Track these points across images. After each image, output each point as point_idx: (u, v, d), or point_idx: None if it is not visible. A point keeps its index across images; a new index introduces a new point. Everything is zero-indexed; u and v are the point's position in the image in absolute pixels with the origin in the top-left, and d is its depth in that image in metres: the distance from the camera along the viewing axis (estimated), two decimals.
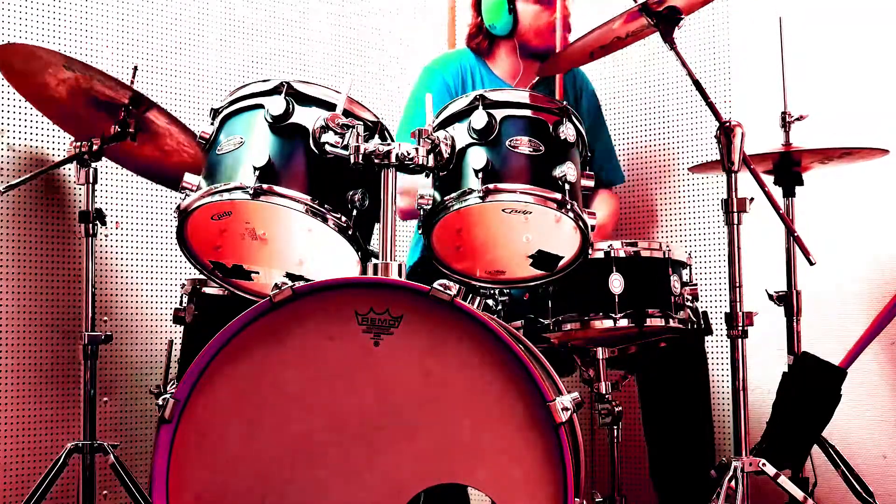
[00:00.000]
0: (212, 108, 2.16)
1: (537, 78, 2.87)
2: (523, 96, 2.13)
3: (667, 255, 2.35)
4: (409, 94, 2.92)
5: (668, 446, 2.64)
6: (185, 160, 2.59)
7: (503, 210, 2.15)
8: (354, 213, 2.05)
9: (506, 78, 2.92)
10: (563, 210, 2.03)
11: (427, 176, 2.09)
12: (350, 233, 2.04)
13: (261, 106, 2.06)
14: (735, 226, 2.15)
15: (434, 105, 2.09)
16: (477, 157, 2.04)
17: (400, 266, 1.93)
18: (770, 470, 2.09)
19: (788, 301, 2.57)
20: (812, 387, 2.46)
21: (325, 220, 2.02)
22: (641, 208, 3.20)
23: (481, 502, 2.98)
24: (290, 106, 2.04)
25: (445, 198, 2.05)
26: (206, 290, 2.51)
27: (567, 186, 2.02)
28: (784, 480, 2.10)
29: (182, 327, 2.58)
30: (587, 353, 2.40)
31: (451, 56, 3.00)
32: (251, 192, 1.97)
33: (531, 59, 2.88)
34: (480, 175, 2.01)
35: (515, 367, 1.76)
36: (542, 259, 2.19)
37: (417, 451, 1.79)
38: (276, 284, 1.80)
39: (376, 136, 2.11)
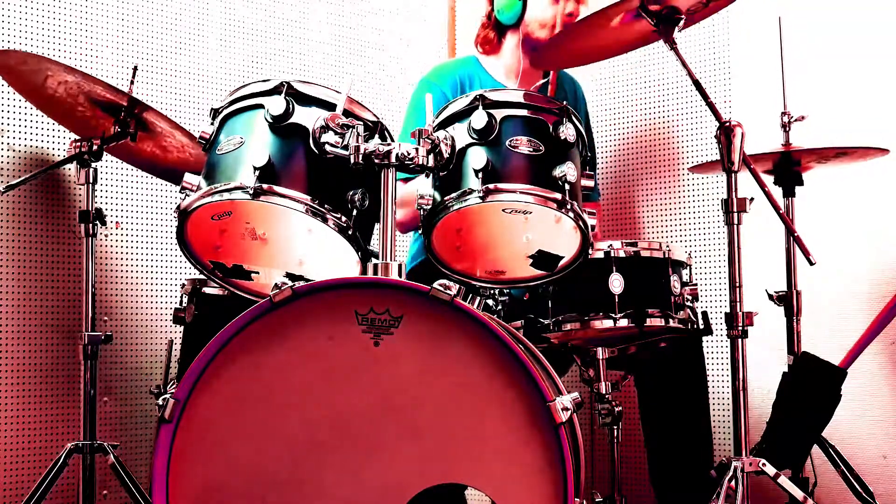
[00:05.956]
0: (212, 108, 2.16)
1: (541, 81, 2.87)
2: (523, 96, 2.13)
3: (667, 255, 2.35)
4: (408, 100, 2.90)
5: (667, 446, 2.64)
6: (187, 158, 2.59)
7: (503, 210, 2.15)
8: (354, 213, 2.05)
9: (508, 74, 2.91)
10: (563, 210, 2.03)
11: (427, 176, 2.09)
12: (350, 233, 2.04)
13: (261, 106, 2.06)
14: (735, 226, 2.15)
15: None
16: (477, 157, 2.04)
17: (400, 266, 1.94)
18: (770, 470, 2.09)
19: (788, 301, 2.57)
20: (812, 387, 2.46)
21: (325, 220, 2.02)
22: (641, 208, 3.20)
23: (481, 502, 2.98)
24: (290, 106, 2.04)
25: (445, 198, 2.05)
26: (206, 290, 2.52)
27: (567, 186, 2.02)
28: (784, 480, 2.10)
29: (182, 327, 2.58)
30: (587, 353, 2.40)
31: (448, 67, 2.98)
32: (251, 192, 1.97)
33: (534, 54, 2.87)
34: (480, 175, 2.01)
35: (515, 367, 1.76)
36: (542, 259, 2.19)
37: (417, 451, 1.79)
38: (276, 284, 1.80)
39: (376, 136, 2.10)
